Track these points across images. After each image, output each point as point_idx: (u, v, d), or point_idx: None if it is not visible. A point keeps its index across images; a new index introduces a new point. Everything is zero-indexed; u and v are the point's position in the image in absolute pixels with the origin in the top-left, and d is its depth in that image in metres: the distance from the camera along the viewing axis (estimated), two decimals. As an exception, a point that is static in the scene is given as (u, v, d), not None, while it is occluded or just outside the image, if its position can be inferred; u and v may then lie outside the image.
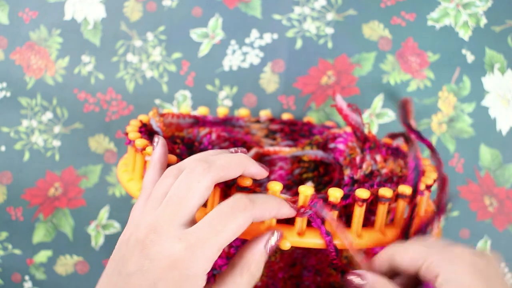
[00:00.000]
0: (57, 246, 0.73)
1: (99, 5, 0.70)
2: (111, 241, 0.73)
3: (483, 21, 0.68)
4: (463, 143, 0.70)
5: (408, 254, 0.40)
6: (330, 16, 0.70)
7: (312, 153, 0.61)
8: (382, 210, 0.45)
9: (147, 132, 0.56)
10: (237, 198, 0.40)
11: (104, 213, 0.72)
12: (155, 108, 0.58)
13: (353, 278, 0.42)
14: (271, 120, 0.66)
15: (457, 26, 0.69)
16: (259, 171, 0.43)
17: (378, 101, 0.70)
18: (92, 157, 0.72)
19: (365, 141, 0.56)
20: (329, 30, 0.70)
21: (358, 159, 0.56)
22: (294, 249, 0.56)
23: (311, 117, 0.69)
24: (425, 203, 0.52)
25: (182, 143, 0.59)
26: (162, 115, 0.59)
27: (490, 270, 0.36)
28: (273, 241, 0.42)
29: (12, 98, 0.71)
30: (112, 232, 0.73)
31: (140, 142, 0.50)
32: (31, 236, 0.73)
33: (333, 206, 0.43)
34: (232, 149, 0.45)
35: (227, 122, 0.64)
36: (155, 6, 0.70)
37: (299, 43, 0.70)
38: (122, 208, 0.72)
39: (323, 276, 0.58)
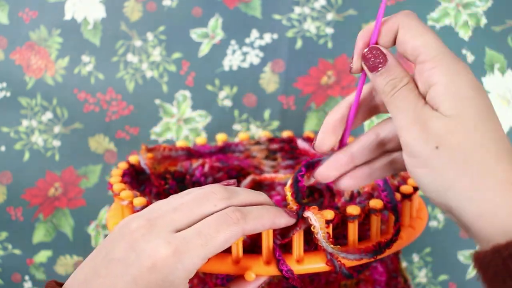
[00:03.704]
0: (57, 246, 0.73)
1: (99, 5, 0.70)
2: (111, 241, 0.73)
3: (483, 21, 0.68)
4: (463, 143, 0.70)
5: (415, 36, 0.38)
6: (330, 16, 0.69)
7: None
8: (352, 228, 0.46)
9: (135, 171, 0.58)
10: (230, 211, 0.40)
11: (104, 213, 0.72)
12: (143, 145, 0.59)
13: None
14: (271, 140, 0.65)
15: (457, 26, 0.69)
16: (287, 222, 0.43)
17: (378, 101, 0.70)
18: (92, 157, 0.72)
19: None
20: (329, 30, 0.70)
21: None
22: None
23: (311, 118, 0.69)
24: (410, 211, 0.51)
25: (172, 178, 0.59)
26: (152, 149, 0.60)
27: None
28: None
29: (12, 98, 0.71)
30: (112, 232, 0.73)
31: (117, 186, 0.52)
32: (31, 236, 0.73)
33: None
34: (225, 182, 0.46)
35: (225, 149, 0.64)
36: (155, 6, 0.70)
37: (299, 43, 0.70)
38: (122, 208, 0.72)
39: None
